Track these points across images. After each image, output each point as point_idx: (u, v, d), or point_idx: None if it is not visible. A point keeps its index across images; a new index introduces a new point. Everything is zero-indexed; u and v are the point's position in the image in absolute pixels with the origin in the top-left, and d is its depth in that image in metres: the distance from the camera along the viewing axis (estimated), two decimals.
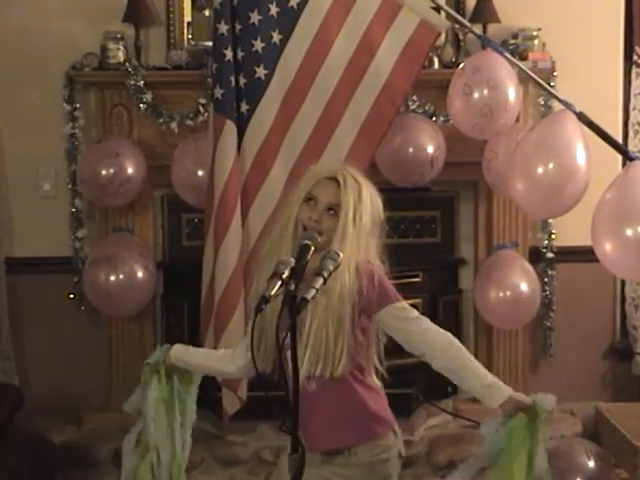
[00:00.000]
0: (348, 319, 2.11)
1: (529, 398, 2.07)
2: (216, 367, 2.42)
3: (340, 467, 2.18)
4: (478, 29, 3.70)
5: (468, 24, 3.36)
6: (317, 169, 2.25)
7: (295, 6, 3.13)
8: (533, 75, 3.17)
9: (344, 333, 2.11)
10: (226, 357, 2.38)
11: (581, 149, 2.97)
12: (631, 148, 4.01)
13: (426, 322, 2.18)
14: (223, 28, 3.13)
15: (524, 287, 3.81)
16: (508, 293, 3.80)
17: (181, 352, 2.41)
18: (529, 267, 3.90)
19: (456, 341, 2.17)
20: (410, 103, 3.83)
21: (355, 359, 2.17)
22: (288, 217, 2.20)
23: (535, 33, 3.92)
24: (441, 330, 2.17)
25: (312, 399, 2.11)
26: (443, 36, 3.82)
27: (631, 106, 4.17)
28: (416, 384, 3.92)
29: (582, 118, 2.94)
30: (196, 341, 3.37)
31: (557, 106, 3.56)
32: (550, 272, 4.10)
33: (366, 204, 2.17)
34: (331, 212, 2.15)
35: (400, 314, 2.17)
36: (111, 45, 3.88)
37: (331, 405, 2.18)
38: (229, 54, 3.13)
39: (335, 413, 2.19)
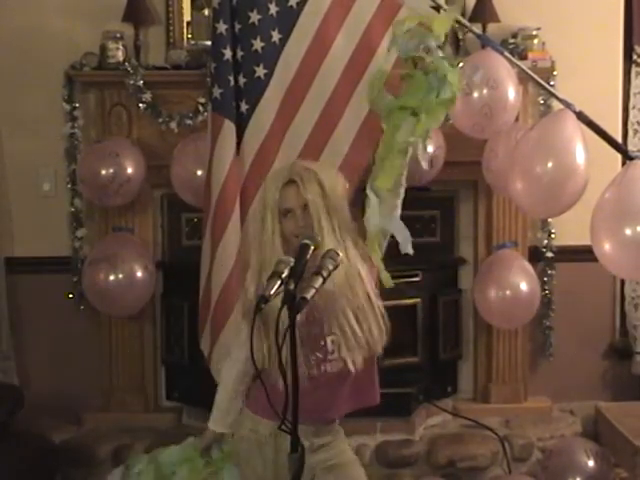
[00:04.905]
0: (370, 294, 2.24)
1: None
2: (237, 387, 2.41)
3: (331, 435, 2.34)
4: (478, 28, 3.69)
5: (468, 23, 3.35)
6: (273, 178, 2.30)
7: (295, 5, 3.12)
8: (533, 74, 3.16)
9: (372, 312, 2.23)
10: (236, 370, 2.39)
11: (580, 148, 2.96)
12: (630, 147, 4.01)
13: None
14: (222, 27, 3.12)
15: (524, 286, 3.81)
16: (508, 292, 3.80)
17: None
18: (529, 266, 3.90)
19: None
20: None
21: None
22: (272, 233, 2.23)
23: (535, 32, 3.93)
24: None
25: (328, 381, 2.23)
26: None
27: (630, 105, 4.18)
28: (416, 384, 3.92)
29: (582, 117, 2.93)
30: (195, 341, 3.37)
31: (557, 105, 3.56)
32: (550, 271, 4.11)
33: (328, 186, 2.23)
34: (307, 209, 2.22)
35: None
36: (110, 45, 3.88)
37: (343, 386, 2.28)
38: (228, 53, 3.11)
39: (347, 391, 2.30)
